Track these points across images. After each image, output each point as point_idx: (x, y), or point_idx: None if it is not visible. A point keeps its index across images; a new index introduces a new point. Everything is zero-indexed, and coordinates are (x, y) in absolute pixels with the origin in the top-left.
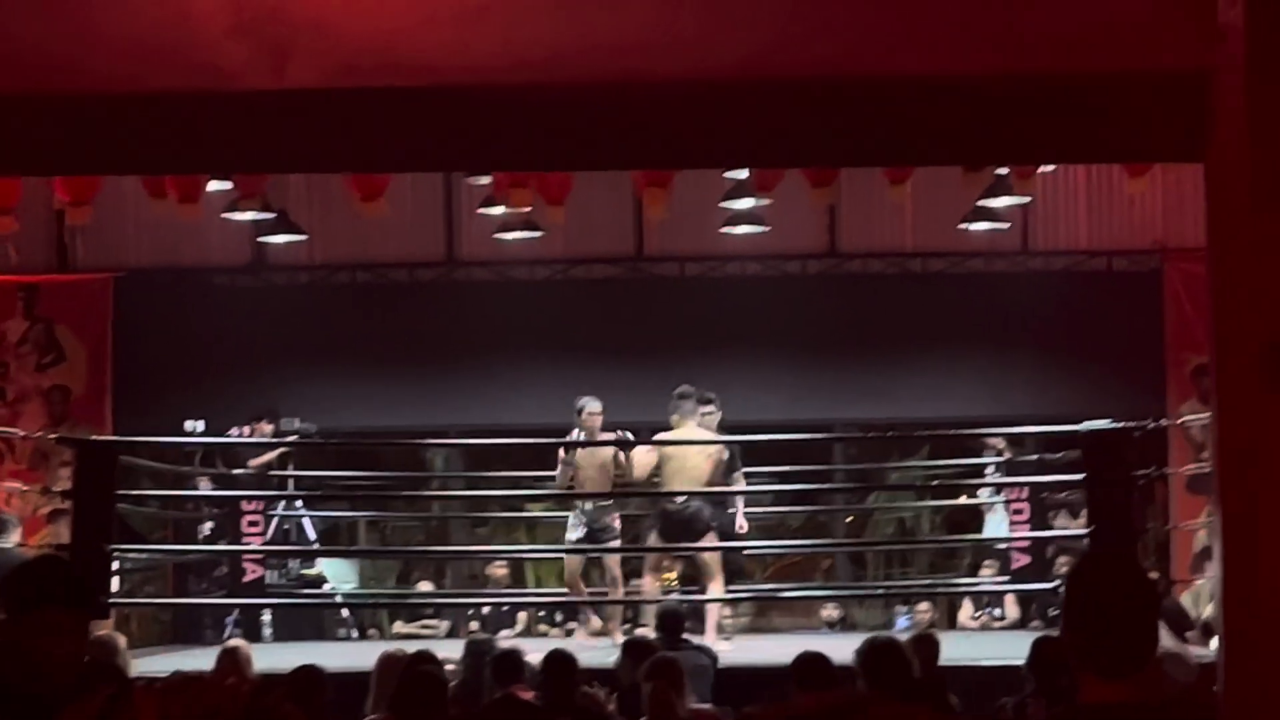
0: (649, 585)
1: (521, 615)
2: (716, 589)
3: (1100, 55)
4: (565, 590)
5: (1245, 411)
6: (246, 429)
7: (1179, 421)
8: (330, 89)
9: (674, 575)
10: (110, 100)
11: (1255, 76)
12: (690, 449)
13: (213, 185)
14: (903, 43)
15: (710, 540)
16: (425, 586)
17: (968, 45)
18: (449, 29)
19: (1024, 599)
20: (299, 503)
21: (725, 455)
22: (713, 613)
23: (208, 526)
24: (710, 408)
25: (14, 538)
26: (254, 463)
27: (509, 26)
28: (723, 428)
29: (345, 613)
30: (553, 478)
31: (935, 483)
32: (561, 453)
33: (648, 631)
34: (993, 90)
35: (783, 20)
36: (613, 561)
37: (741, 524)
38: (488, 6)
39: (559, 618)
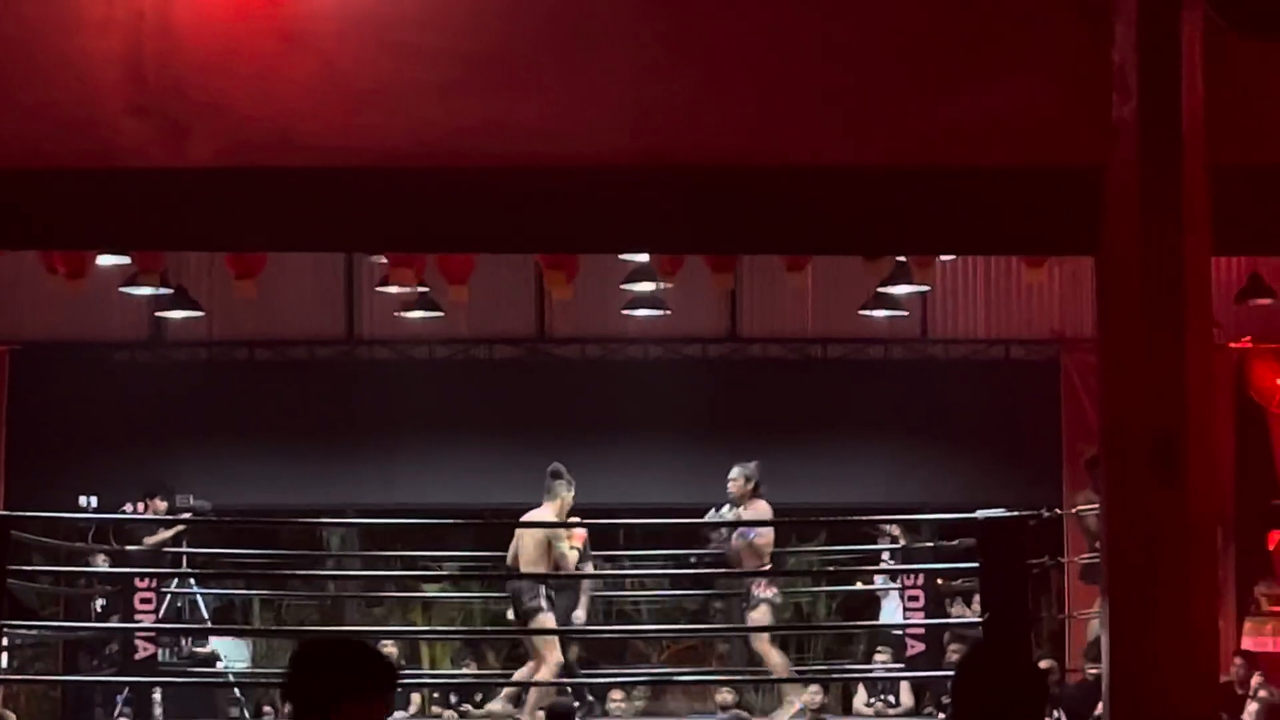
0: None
1: (415, 696)
2: (545, 672)
3: (995, 150)
4: (460, 671)
5: (1134, 503)
6: (140, 505)
7: (1074, 511)
8: (228, 168)
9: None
10: (7, 175)
11: (1147, 173)
12: (525, 532)
13: (111, 259)
14: (801, 135)
15: (541, 623)
16: None
17: (866, 138)
18: (348, 111)
19: (918, 686)
20: (192, 580)
21: (548, 539)
22: (534, 694)
23: (99, 603)
24: (560, 483)
25: None
26: (149, 540)
27: (407, 109)
28: (575, 511)
29: (238, 692)
30: (451, 558)
31: (831, 568)
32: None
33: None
34: (889, 183)
35: (683, 110)
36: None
37: (578, 614)
38: (386, 89)
39: (454, 698)
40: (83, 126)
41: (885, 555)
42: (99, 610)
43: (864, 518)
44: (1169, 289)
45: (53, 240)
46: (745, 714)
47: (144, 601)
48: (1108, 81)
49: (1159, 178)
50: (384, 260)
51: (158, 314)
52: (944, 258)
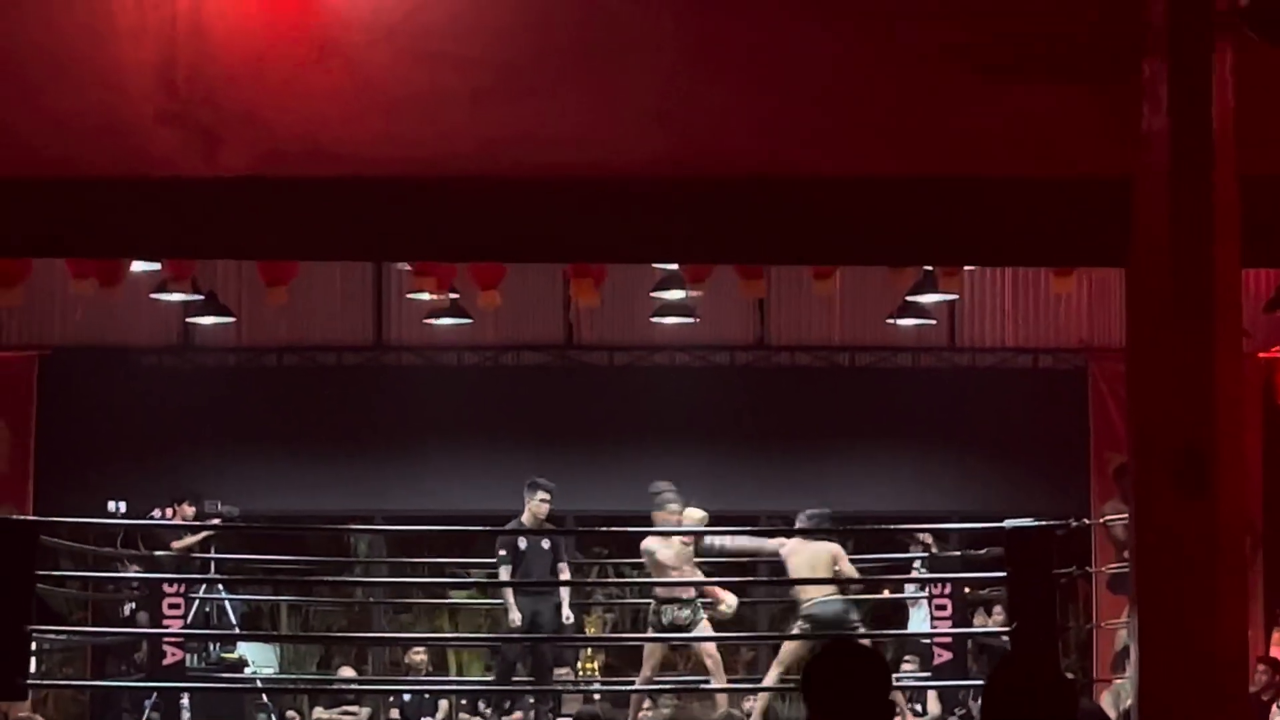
0: None
1: (443, 703)
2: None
3: (1025, 161)
4: (487, 679)
5: (1162, 513)
6: (169, 510)
7: (1101, 520)
8: (259, 177)
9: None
10: (42, 184)
11: (1177, 184)
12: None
13: (141, 266)
14: (828, 145)
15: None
16: (346, 672)
17: (893, 149)
18: (378, 120)
19: (945, 695)
20: (220, 585)
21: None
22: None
23: (128, 608)
24: (542, 494)
25: None
26: (176, 545)
27: (438, 119)
28: (552, 519)
29: (265, 697)
30: (479, 564)
31: (859, 577)
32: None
33: None
34: (917, 193)
35: (712, 121)
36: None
37: (567, 614)
38: (416, 99)
39: (482, 705)
40: (115, 135)
41: (914, 564)
42: (127, 615)
43: (890, 526)
44: (1199, 300)
45: (85, 248)
46: None
47: (172, 607)
48: (1138, 92)
49: (1189, 189)
50: (409, 268)
51: (187, 320)
52: (971, 266)
